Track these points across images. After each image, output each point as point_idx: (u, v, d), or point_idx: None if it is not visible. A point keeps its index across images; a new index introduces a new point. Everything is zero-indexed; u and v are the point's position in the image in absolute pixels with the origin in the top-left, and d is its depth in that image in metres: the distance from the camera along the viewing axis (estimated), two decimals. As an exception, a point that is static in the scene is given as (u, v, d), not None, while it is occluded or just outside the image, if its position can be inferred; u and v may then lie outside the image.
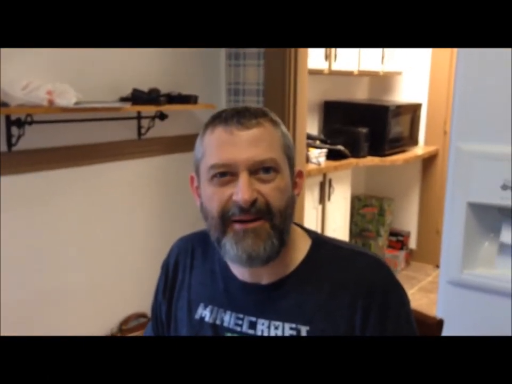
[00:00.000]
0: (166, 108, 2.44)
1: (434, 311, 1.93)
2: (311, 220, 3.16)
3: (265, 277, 0.96)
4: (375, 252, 2.84)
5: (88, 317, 2.43)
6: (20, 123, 2.00)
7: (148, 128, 2.51)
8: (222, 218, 0.90)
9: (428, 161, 4.10)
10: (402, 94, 4.22)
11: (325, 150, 3.34)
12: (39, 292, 2.23)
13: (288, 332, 0.93)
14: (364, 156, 3.56)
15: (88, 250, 2.39)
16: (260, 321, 0.95)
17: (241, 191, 0.87)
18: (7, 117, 2.00)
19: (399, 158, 3.67)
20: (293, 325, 0.93)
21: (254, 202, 0.87)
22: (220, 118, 0.92)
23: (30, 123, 2.02)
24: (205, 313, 1.00)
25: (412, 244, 4.26)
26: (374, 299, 0.91)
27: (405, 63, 4.12)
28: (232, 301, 0.99)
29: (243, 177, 0.87)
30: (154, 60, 2.53)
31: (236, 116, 0.90)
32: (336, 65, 3.38)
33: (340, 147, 3.45)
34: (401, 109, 3.78)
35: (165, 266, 1.10)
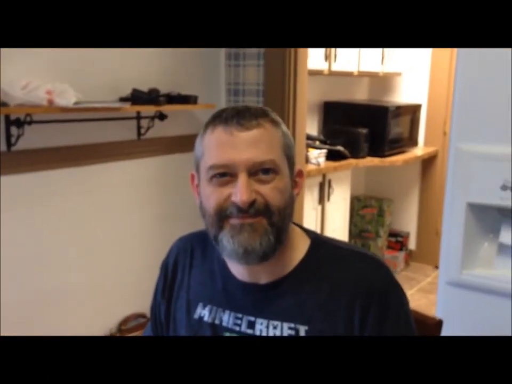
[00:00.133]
0: (165, 108, 2.44)
1: (434, 311, 1.93)
2: (310, 220, 3.16)
3: (264, 276, 0.96)
4: (375, 253, 2.85)
5: (88, 317, 2.43)
6: (19, 123, 2.00)
7: (148, 128, 2.51)
8: (218, 216, 0.90)
9: (428, 162, 4.10)
10: (402, 95, 4.22)
11: (324, 151, 3.34)
12: (39, 292, 2.23)
13: (286, 332, 0.93)
14: (363, 157, 3.56)
15: (87, 250, 2.39)
16: (259, 320, 0.95)
17: (239, 192, 0.87)
18: (7, 117, 1.99)
19: (398, 158, 3.67)
20: (292, 325, 0.93)
21: (252, 203, 0.88)
22: (220, 118, 0.91)
23: (30, 123, 2.02)
24: (203, 312, 1.00)
25: (411, 244, 4.26)
26: (373, 299, 0.91)
27: (405, 64, 4.12)
28: (231, 300, 0.99)
29: (242, 178, 0.88)
30: (154, 60, 2.53)
31: (236, 116, 0.90)
32: (336, 66, 3.38)
33: (340, 148, 3.45)
34: (401, 110, 3.78)
35: (164, 267, 1.10)
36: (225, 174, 0.89)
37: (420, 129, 4.07)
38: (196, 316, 1.01)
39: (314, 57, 3.15)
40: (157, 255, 1.25)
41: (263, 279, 0.97)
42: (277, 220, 0.90)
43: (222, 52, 2.88)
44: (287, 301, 0.95)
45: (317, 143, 3.50)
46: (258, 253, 0.90)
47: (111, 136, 2.41)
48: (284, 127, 0.95)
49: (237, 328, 0.96)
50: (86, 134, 2.30)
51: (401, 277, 3.95)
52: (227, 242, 0.90)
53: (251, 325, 0.96)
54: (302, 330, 0.92)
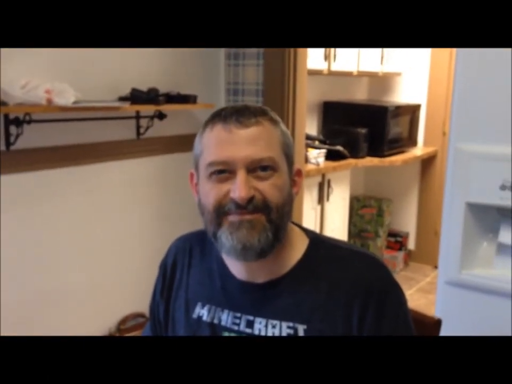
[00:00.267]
0: (165, 108, 2.44)
1: (433, 311, 1.93)
2: (309, 220, 3.16)
3: (262, 275, 0.97)
4: (374, 253, 2.85)
5: (87, 317, 2.43)
6: (18, 122, 2.00)
7: (147, 128, 2.51)
8: (217, 212, 0.90)
9: (427, 162, 4.10)
10: (402, 95, 4.22)
11: (324, 151, 3.34)
12: (38, 291, 2.22)
13: (285, 331, 0.93)
14: (362, 157, 3.56)
15: (87, 249, 2.39)
16: (257, 320, 0.95)
17: (238, 188, 0.87)
18: (6, 116, 1.99)
19: (398, 158, 3.67)
20: (290, 324, 0.93)
21: (251, 200, 0.88)
22: (220, 116, 0.92)
23: (29, 122, 2.02)
24: (202, 312, 1.01)
25: (411, 244, 4.26)
26: (372, 299, 0.91)
27: (404, 64, 4.12)
28: (230, 299, 0.99)
29: (240, 175, 0.88)
30: (153, 60, 2.53)
31: (235, 114, 0.91)
32: (336, 66, 3.38)
33: (339, 147, 3.45)
34: (401, 110, 3.78)
35: (163, 266, 1.10)
36: (224, 171, 0.90)
37: (419, 129, 4.07)
38: (195, 316, 1.01)
39: (314, 57, 3.15)
40: (156, 254, 1.25)
41: (262, 278, 0.97)
42: (275, 217, 0.90)
43: (222, 51, 2.88)
44: (286, 300, 0.95)
45: (316, 143, 3.50)
46: (256, 249, 0.90)
47: (110, 135, 2.41)
48: (282, 126, 0.96)
49: (236, 328, 0.96)
50: (85, 134, 2.30)
51: (401, 277, 3.95)
52: (226, 239, 0.90)
53: (250, 324, 0.96)
54: (301, 329, 0.92)
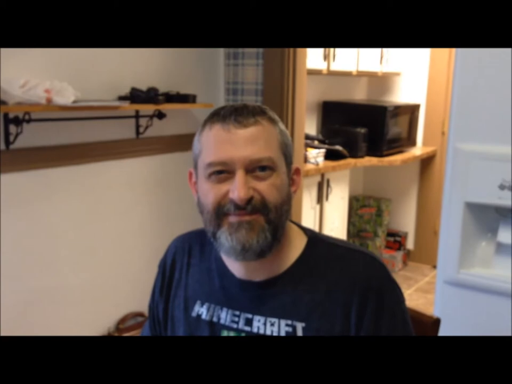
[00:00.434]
0: (164, 107, 2.44)
1: (432, 311, 1.93)
2: (308, 219, 3.16)
3: (261, 273, 0.97)
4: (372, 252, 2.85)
5: (86, 316, 2.43)
6: (18, 121, 2.00)
7: (146, 127, 2.51)
8: (217, 213, 0.91)
9: (426, 162, 4.11)
10: (401, 95, 4.22)
11: (323, 150, 3.34)
12: (36, 291, 2.22)
13: (284, 329, 0.93)
14: (362, 156, 3.57)
15: (86, 248, 2.39)
16: (256, 317, 0.96)
17: (237, 189, 0.88)
18: (5, 115, 1.99)
19: (397, 158, 3.68)
20: (289, 322, 0.93)
21: (250, 200, 0.89)
22: (218, 116, 0.92)
23: (28, 121, 2.02)
24: (201, 310, 1.01)
25: (409, 244, 4.27)
26: (370, 297, 0.92)
27: (404, 64, 4.12)
28: (229, 298, 0.99)
29: (239, 175, 0.88)
30: (153, 59, 2.53)
31: (234, 114, 0.91)
32: (335, 66, 3.38)
33: (338, 147, 3.46)
34: (400, 110, 3.78)
35: (162, 265, 1.11)
36: (223, 171, 0.90)
37: (419, 129, 4.08)
38: (194, 314, 1.02)
39: (313, 57, 3.15)
40: (155, 253, 1.26)
41: (261, 276, 0.97)
42: (273, 217, 0.91)
43: (221, 51, 2.88)
44: (284, 298, 0.95)
45: (316, 142, 3.50)
46: (255, 250, 0.90)
47: (109, 134, 2.41)
48: (281, 125, 0.96)
49: (235, 326, 0.97)
50: (84, 133, 2.30)
51: (399, 276, 3.95)
52: (225, 240, 0.91)
53: (248, 322, 0.96)
54: (299, 327, 0.93)
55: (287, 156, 0.95)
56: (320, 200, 3.29)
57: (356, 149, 3.53)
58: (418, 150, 4.03)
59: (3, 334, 2.06)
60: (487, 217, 1.75)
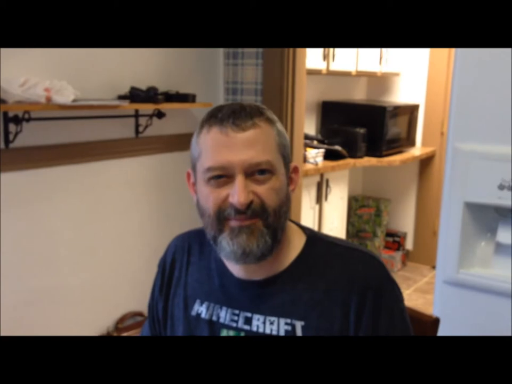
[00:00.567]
0: (163, 106, 2.44)
1: (431, 311, 1.93)
2: (308, 219, 3.16)
3: (260, 273, 0.97)
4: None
5: (85, 315, 2.43)
6: (17, 120, 2.00)
7: (146, 127, 2.51)
8: (218, 218, 0.91)
9: (425, 162, 4.11)
10: (400, 95, 4.23)
11: (322, 150, 3.34)
12: (36, 290, 2.22)
13: (283, 327, 0.93)
14: (361, 156, 3.57)
15: (85, 248, 2.39)
16: (255, 316, 0.96)
17: (237, 194, 0.88)
18: (5, 114, 1.99)
19: (396, 158, 3.68)
20: (288, 320, 0.94)
21: (250, 204, 0.89)
22: (216, 118, 0.91)
23: (28, 120, 2.02)
24: (201, 309, 1.01)
25: (409, 244, 4.27)
26: (369, 296, 0.92)
27: (403, 64, 4.12)
28: (228, 297, 0.99)
29: (239, 180, 0.88)
30: (152, 59, 2.53)
31: (231, 117, 0.90)
32: (334, 66, 3.38)
33: (337, 147, 3.46)
34: (399, 110, 3.79)
35: (162, 264, 1.11)
36: (222, 176, 0.90)
37: (418, 129, 4.08)
38: (193, 313, 1.02)
39: (313, 57, 3.15)
40: (154, 253, 1.26)
41: (260, 275, 0.97)
42: (272, 220, 0.91)
43: (221, 51, 2.88)
44: (283, 297, 0.95)
45: (315, 142, 3.51)
46: (256, 254, 0.91)
47: (109, 134, 2.41)
48: (279, 125, 0.96)
49: (234, 325, 0.97)
50: (84, 132, 2.30)
51: (398, 276, 3.95)
52: (226, 245, 0.91)
53: (248, 321, 0.96)
54: (299, 326, 0.93)
55: (285, 157, 0.96)
56: (319, 200, 3.29)
57: (355, 149, 3.53)
58: (417, 150, 4.04)
59: (3, 334, 2.05)
60: (486, 217, 1.75)
